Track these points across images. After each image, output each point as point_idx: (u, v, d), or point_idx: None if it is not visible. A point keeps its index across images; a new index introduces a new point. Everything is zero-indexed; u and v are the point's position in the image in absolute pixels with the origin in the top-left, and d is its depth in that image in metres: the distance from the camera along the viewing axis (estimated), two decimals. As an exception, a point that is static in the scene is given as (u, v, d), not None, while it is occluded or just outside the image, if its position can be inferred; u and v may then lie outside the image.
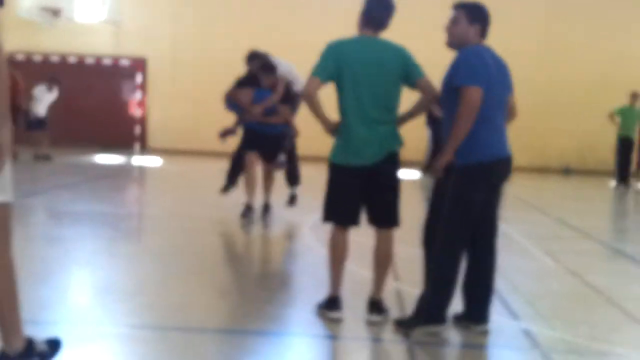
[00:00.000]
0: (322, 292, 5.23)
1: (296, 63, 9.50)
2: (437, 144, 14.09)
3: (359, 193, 4.98)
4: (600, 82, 18.96)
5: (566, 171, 19.34)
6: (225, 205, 9.38)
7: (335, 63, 4.84)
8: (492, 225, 4.91)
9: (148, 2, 19.59)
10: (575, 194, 15.77)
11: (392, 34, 5.13)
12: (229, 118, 9.69)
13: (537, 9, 19.19)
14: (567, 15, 19.22)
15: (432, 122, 14.61)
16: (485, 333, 4.83)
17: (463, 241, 4.74)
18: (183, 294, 5.63)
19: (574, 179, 18.36)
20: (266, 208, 9.33)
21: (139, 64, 19.65)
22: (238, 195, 9.13)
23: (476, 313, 4.89)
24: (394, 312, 5.13)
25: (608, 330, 5.19)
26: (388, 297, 5.25)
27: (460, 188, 4.63)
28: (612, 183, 16.41)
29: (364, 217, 5.09)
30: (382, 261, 5.09)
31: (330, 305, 5.02)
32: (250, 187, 8.86)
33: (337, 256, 5.06)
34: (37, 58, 19.35)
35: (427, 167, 15.05)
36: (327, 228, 5.19)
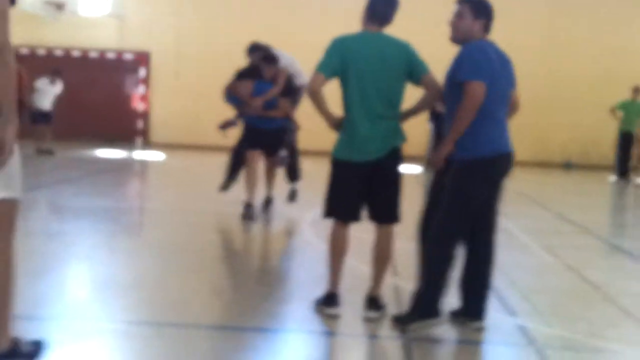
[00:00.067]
0: (320, 288, 5.25)
1: (300, 58, 9.48)
2: (439, 138, 14.10)
3: (361, 189, 4.99)
4: (603, 76, 18.94)
5: (567, 166, 19.33)
6: (226, 200, 9.40)
7: (340, 59, 4.85)
8: (491, 220, 4.92)
9: (151, -4, 19.61)
10: (576, 189, 15.78)
11: (396, 29, 5.13)
12: (231, 112, 9.64)
13: (540, 4, 19.17)
14: (570, 10, 19.19)
15: (435, 117, 14.62)
16: (481, 329, 4.84)
17: (459, 234, 4.76)
18: (181, 290, 5.66)
19: (575, 174, 18.36)
20: (268, 202, 9.30)
21: (143, 58, 19.67)
22: (239, 190, 9.12)
23: (473, 309, 4.90)
24: (392, 308, 5.14)
25: (604, 327, 5.20)
26: (386, 293, 5.27)
27: (460, 181, 4.65)
28: (612, 178, 16.40)
29: (364, 213, 5.10)
30: (382, 257, 5.09)
31: (328, 301, 5.03)
32: (251, 185, 8.70)
33: (337, 252, 5.07)
34: (41, 52, 19.39)
35: (428, 161, 15.04)
36: (327, 224, 5.20)
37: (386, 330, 4.83)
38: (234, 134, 9.54)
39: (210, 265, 6.78)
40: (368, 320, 4.97)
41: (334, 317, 4.96)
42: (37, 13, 17.76)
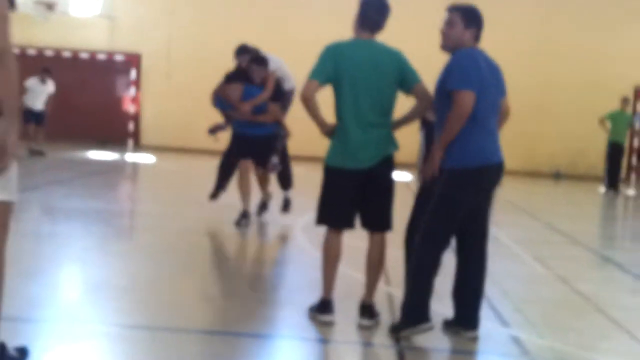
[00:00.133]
0: (313, 295, 5.25)
1: (294, 60, 9.43)
2: (429, 147, 14.10)
3: (354, 196, 5.00)
4: (592, 86, 19.03)
5: (556, 175, 19.42)
6: (218, 204, 9.38)
7: (333, 65, 4.87)
8: (483, 230, 4.95)
9: (142, -3, 19.59)
10: (565, 199, 15.87)
11: (386, 35, 5.14)
12: (221, 116, 9.51)
13: (529, 13, 19.23)
14: (559, 19, 19.27)
15: (425, 125, 14.64)
16: (474, 339, 4.86)
17: (444, 239, 4.77)
18: (174, 294, 5.66)
19: (564, 184, 18.45)
20: (263, 206, 9.16)
21: (134, 60, 19.63)
22: (231, 195, 9.09)
23: (466, 318, 4.92)
24: (385, 316, 5.16)
25: (596, 338, 5.25)
26: (379, 301, 5.28)
27: (448, 189, 4.66)
28: (602, 189, 16.50)
29: (358, 220, 5.12)
30: (375, 265, 5.11)
31: (322, 308, 5.03)
32: (245, 194, 8.52)
33: (331, 259, 5.07)
34: (31, 52, 19.30)
35: (419, 171, 15.06)
36: (320, 230, 5.22)
37: (380, 338, 4.85)
38: (225, 138, 9.30)
39: (203, 270, 6.78)
40: (362, 327, 4.98)
41: (328, 324, 4.97)
42: (27, 13, 17.70)
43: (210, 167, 8.88)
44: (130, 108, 19.75)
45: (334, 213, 5.05)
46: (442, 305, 5.22)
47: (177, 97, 19.23)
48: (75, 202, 9.93)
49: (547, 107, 19.32)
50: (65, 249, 7.09)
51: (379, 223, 5.10)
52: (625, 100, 16.50)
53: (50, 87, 16.03)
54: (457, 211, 4.72)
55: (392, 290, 5.94)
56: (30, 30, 18.93)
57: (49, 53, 19.37)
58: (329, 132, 5.03)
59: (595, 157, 18.38)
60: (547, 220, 11.30)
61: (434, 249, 4.74)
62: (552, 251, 8.71)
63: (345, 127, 4.93)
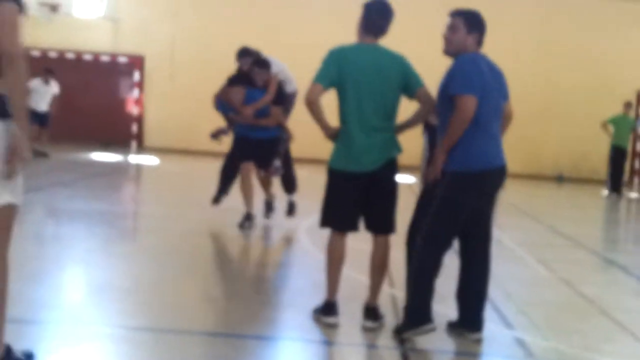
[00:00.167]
0: (318, 297, 5.26)
1: (297, 62, 9.43)
2: (432, 150, 14.10)
3: (358, 198, 5.01)
4: (595, 89, 19.04)
5: (559, 179, 19.42)
6: (221, 207, 9.39)
7: (337, 69, 4.88)
8: (486, 232, 4.95)
9: (147, -1, 19.62)
10: (568, 202, 15.87)
11: (389, 39, 5.14)
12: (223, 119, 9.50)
13: (530, 17, 19.24)
14: (561, 23, 19.27)
15: (428, 129, 14.64)
16: (479, 341, 4.87)
17: (445, 241, 4.77)
18: (178, 296, 5.66)
19: (567, 187, 18.44)
20: (269, 206, 9.07)
21: (137, 62, 19.65)
22: (234, 197, 9.10)
23: (470, 320, 4.93)
24: (389, 318, 5.16)
25: (599, 341, 5.24)
26: (383, 303, 5.29)
27: (450, 191, 4.68)
28: (605, 192, 16.50)
29: (361, 222, 5.12)
30: (379, 267, 5.11)
31: (327, 310, 5.05)
32: (247, 197, 8.52)
33: (335, 261, 5.08)
34: (35, 53, 19.32)
35: (423, 175, 15.06)
36: (324, 232, 5.22)
37: (384, 340, 4.85)
38: (228, 140, 9.27)
39: (206, 272, 6.78)
40: (366, 329, 4.98)
41: (332, 326, 4.97)
42: (31, 14, 17.73)
43: (213, 169, 8.87)
44: (133, 110, 19.77)
45: (338, 215, 5.06)
46: (445, 306, 5.24)
47: (180, 99, 19.26)
48: (79, 204, 9.95)
49: (550, 111, 19.31)
50: (68, 251, 7.10)
51: (382, 226, 5.10)
52: (628, 105, 16.52)
53: (54, 87, 16.03)
54: (459, 214, 4.72)
55: (396, 292, 5.94)
56: (34, 32, 18.93)
57: (52, 54, 19.38)
58: (333, 135, 5.04)
59: (598, 160, 18.39)
60: (550, 223, 11.29)
61: (435, 251, 4.74)
62: (555, 254, 8.71)
63: (349, 130, 4.94)
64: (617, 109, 16.78)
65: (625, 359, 4.94)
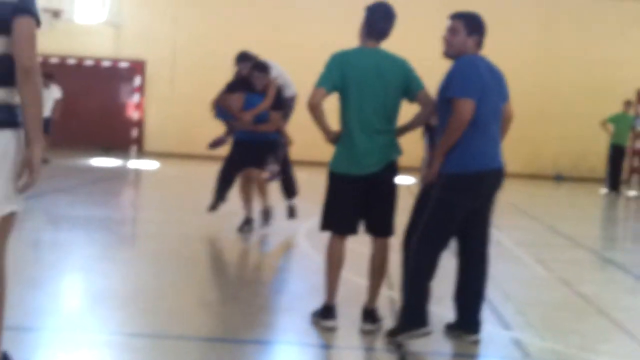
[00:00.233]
0: (316, 300, 5.28)
1: (298, 69, 9.41)
2: (432, 151, 14.11)
3: (358, 202, 5.03)
4: (593, 89, 19.07)
5: (558, 178, 19.43)
6: (220, 211, 9.40)
7: (339, 73, 4.91)
8: (484, 233, 4.97)
9: (148, 5, 19.65)
10: (567, 201, 15.89)
11: (391, 41, 5.16)
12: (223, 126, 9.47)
13: (531, 17, 19.28)
14: (561, 24, 19.31)
15: (429, 130, 14.64)
16: (476, 342, 4.88)
17: (441, 242, 4.78)
18: (177, 302, 5.67)
19: (566, 186, 18.46)
20: (266, 214, 8.92)
21: (138, 67, 19.70)
22: (233, 202, 9.11)
23: (468, 322, 4.94)
24: (388, 321, 5.18)
25: (597, 340, 5.26)
26: (382, 306, 5.31)
27: (446, 193, 4.69)
28: (603, 190, 16.51)
29: (361, 226, 5.14)
30: (378, 270, 5.14)
31: (325, 313, 5.06)
32: (246, 201, 8.54)
33: (334, 265, 5.10)
34: (37, 59, 19.33)
35: (422, 178, 15.07)
36: (323, 235, 5.24)
37: (383, 343, 4.86)
38: (228, 144, 9.15)
39: (206, 277, 6.81)
40: (365, 332, 5.00)
41: (330, 330, 4.99)
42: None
43: (213, 174, 8.87)
44: (134, 115, 19.81)
45: (338, 219, 5.08)
46: (442, 307, 5.26)
47: (180, 104, 19.30)
48: (79, 210, 9.98)
49: (548, 110, 19.34)
50: (68, 257, 7.12)
51: (382, 228, 5.12)
52: (627, 103, 16.56)
53: (55, 92, 16.05)
54: (454, 215, 4.74)
55: (394, 294, 5.95)
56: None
57: (54, 60, 19.42)
58: (334, 139, 5.06)
59: (597, 159, 18.43)
60: (548, 222, 11.31)
61: (431, 252, 4.76)
62: (553, 253, 8.72)
63: (351, 133, 4.96)
64: (616, 109, 16.82)
65: (622, 358, 4.95)
